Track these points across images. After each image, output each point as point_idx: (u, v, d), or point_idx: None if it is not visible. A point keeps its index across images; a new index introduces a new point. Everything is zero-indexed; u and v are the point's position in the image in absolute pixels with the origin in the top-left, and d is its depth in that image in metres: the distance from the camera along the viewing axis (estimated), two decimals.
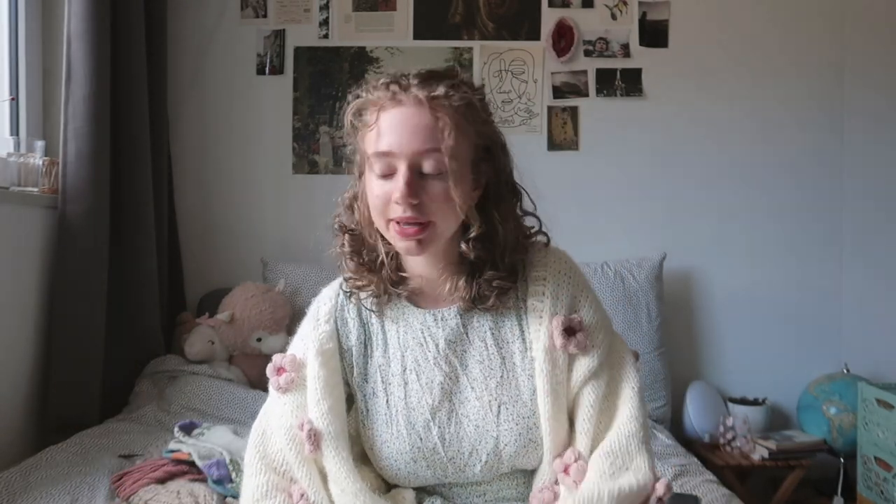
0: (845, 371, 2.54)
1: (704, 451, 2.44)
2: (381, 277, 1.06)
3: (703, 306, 2.76)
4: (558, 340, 1.01)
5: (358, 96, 1.03)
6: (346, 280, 1.10)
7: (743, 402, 2.58)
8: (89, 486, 1.58)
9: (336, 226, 1.10)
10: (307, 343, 1.08)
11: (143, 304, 2.34)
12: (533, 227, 1.09)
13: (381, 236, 1.04)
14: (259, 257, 2.66)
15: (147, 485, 1.54)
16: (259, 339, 2.38)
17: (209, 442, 1.71)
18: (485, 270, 1.02)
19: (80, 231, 2.07)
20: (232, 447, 1.67)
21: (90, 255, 2.09)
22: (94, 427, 1.99)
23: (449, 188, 0.96)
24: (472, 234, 1.01)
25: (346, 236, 1.08)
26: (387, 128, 0.98)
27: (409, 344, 1.06)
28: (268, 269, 2.61)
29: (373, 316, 1.09)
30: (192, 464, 1.62)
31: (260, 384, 2.40)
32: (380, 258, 1.06)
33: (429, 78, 1.00)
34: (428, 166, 0.97)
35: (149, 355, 2.35)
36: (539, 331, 1.03)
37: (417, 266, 1.06)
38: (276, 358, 1.08)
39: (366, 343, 1.09)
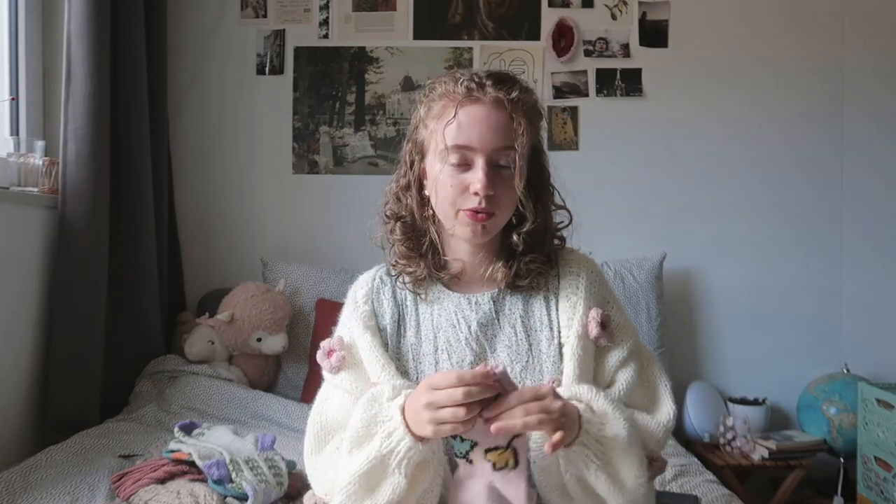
0: (845, 371, 2.54)
1: (704, 451, 2.44)
2: (427, 261, 1.12)
3: (703, 306, 2.76)
4: (594, 331, 1.08)
5: (433, 89, 1.10)
6: (394, 265, 1.15)
7: (743, 402, 2.58)
8: (89, 486, 1.58)
9: (387, 213, 1.16)
10: (351, 324, 1.13)
11: (143, 304, 2.34)
12: (562, 222, 1.18)
13: (432, 221, 1.12)
14: (259, 257, 2.66)
15: (147, 485, 1.54)
16: (259, 339, 2.38)
17: (209, 442, 1.71)
18: (525, 255, 1.10)
19: (80, 231, 2.07)
20: (232, 447, 1.67)
21: (90, 255, 2.09)
22: (94, 427, 1.99)
23: (514, 182, 1.06)
24: (527, 228, 1.10)
25: (398, 223, 1.14)
26: (467, 122, 1.05)
27: (441, 325, 1.11)
28: (268, 269, 2.61)
29: (407, 297, 1.14)
30: (192, 464, 1.61)
31: (260, 384, 2.41)
32: (427, 242, 1.13)
33: (501, 80, 1.07)
34: (503, 161, 1.06)
35: (149, 355, 2.35)
36: (573, 319, 1.09)
37: (461, 251, 1.13)
38: (324, 343, 1.12)
39: (399, 323, 1.13)
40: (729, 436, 2.42)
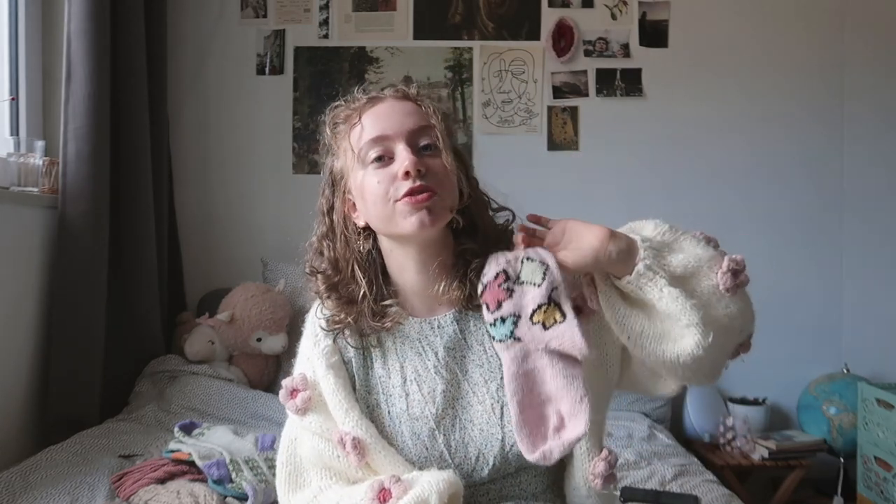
0: (845, 371, 2.54)
1: (704, 451, 2.44)
2: (362, 310, 1.04)
3: None
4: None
5: (332, 116, 1.06)
6: (327, 321, 1.07)
7: (743, 402, 2.58)
8: (89, 486, 1.58)
9: (308, 270, 1.09)
10: (313, 361, 1.07)
11: (143, 304, 2.34)
12: (507, 220, 1.11)
13: (359, 264, 1.04)
14: (259, 257, 2.66)
15: (147, 485, 1.54)
16: (259, 339, 2.38)
17: (209, 442, 1.72)
18: (472, 262, 1.03)
19: (80, 231, 2.07)
20: (232, 447, 1.67)
21: (90, 256, 2.09)
22: (94, 427, 1.99)
23: (444, 161, 1.00)
24: (465, 203, 1.03)
25: (320, 276, 1.07)
26: (374, 119, 1.01)
27: (407, 354, 1.05)
28: (268, 269, 2.61)
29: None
30: (192, 464, 1.62)
31: (260, 384, 2.41)
32: (361, 289, 1.04)
33: (396, 85, 1.06)
34: (424, 140, 1.00)
35: (149, 355, 2.35)
36: None
37: (407, 272, 1.05)
38: (286, 382, 1.06)
39: (364, 354, 1.07)
40: (729, 436, 2.42)
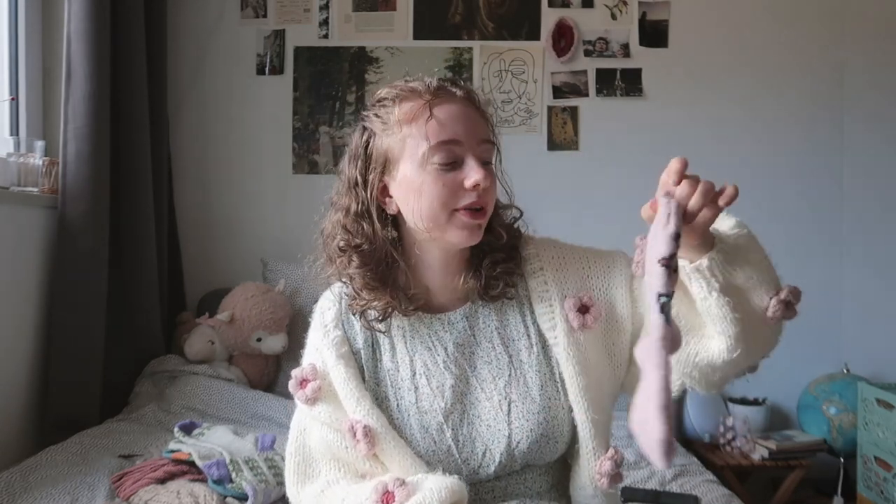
0: (845, 371, 2.54)
1: (704, 451, 2.44)
2: (394, 291, 1.04)
3: None
4: (575, 321, 1.03)
5: (391, 94, 1.04)
6: (352, 299, 1.07)
7: (743, 402, 2.58)
8: (89, 486, 1.58)
9: (340, 246, 1.05)
10: (322, 351, 1.07)
11: (143, 304, 2.35)
12: (514, 217, 1.12)
13: (396, 246, 1.04)
14: (259, 257, 2.66)
15: (147, 485, 1.54)
16: (259, 339, 2.38)
17: (209, 442, 1.72)
18: (486, 256, 1.05)
19: (80, 231, 2.07)
20: (232, 447, 1.68)
21: (90, 255, 2.09)
22: (94, 427, 1.99)
23: (496, 179, 1.03)
24: (501, 223, 1.06)
25: (356, 253, 1.04)
26: (447, 118, 0.99)
27: (416, 348, 1.06)
28: (268, 269, 2.61)
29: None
30: (192, 464, 1.62)
31: (260, 384, 2.41)
32: (392, 270, 1.04)
33: (456, 82, 1.06)
34: (487, 155, 1.02)
35: (149, 355, 2.35)
36: (553, 318, 1.04)
37: (433, 269, 1.06)
38: (296, 372, 1.06)
39: (373, 346, 1.08)
40: (729, 436, 2.42)
